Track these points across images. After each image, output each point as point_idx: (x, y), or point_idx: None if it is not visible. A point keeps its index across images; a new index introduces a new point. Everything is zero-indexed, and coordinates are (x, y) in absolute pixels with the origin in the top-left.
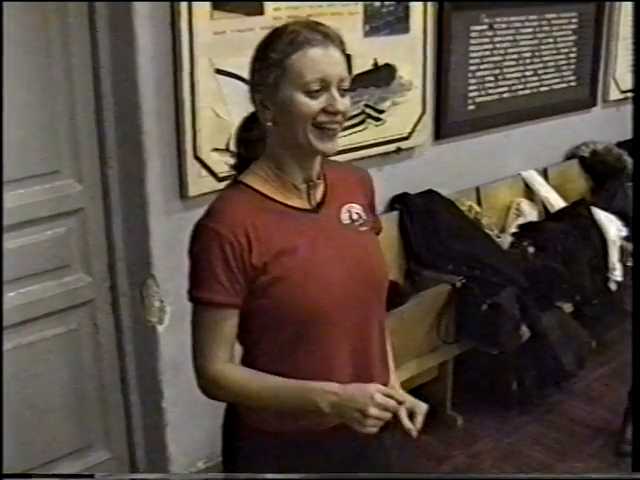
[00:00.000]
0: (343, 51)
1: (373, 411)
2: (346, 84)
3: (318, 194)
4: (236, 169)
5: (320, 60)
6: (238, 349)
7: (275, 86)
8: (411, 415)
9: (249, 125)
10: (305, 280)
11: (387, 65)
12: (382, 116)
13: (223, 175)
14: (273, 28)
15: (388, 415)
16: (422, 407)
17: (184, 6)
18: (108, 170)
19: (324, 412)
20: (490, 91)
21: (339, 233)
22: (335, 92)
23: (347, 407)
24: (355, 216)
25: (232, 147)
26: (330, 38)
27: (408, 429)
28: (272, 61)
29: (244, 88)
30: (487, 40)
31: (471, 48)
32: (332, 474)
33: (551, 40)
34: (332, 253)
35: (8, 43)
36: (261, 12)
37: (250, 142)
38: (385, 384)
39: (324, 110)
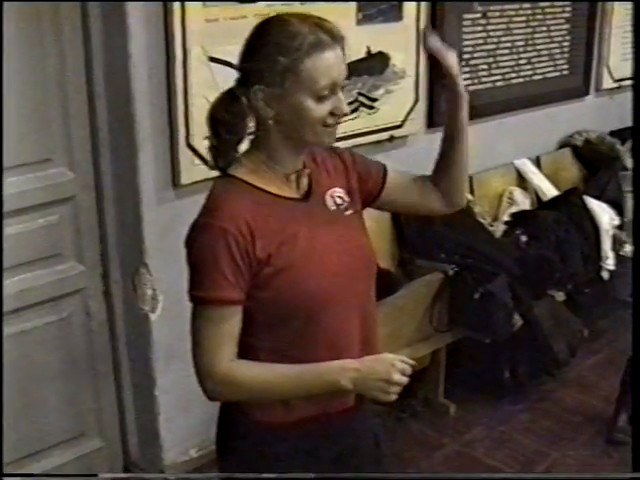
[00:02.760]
0: (343, 47)
1: (397, 377)
2: (345, 83)
3: (304, 182)
4: (217, 152)
5: (330, 64)
6: None
7: (283, 89)
8: None
9: (229, 105)
10: (307, 269)
11: (380, 53)
12: (375, 104)
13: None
14: (268, 18)
15: (406, 379)
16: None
17: None
18: (100, 158)
19: (347, 389)
20: (483, 79)
21: (328, 219)
22: (341, 94)
23: (370, 379)
24: (339, 200)
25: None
26: (334, 36)
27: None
28: (281, 65)
29: (237, 76)
30: (480, 28)
31: (464, 36)
32: (329, 474)
33: (544, 29)
34: (327, 240)
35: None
36: None
37: (231, 123)
38: None
39: (331, 113)
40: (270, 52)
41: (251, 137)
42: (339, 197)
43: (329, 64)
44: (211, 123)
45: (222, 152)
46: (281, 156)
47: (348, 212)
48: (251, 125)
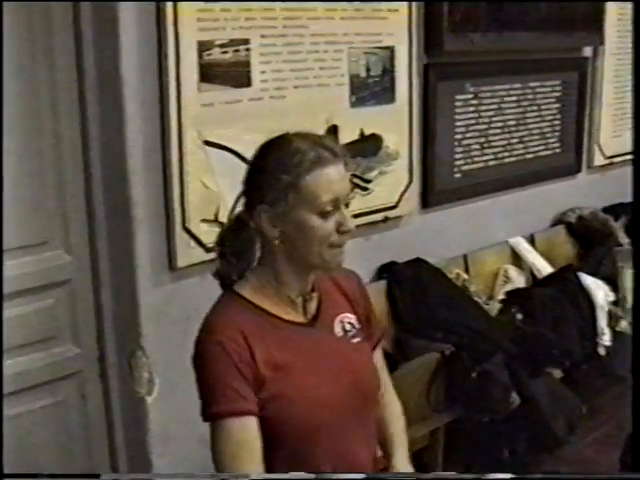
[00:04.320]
0: (347, 163)
1: None
2: (350, 198)
3: (312, 306)
4: (225, 276)
5: (332, 179)
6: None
7: (286, 207)
8: None
9: (236, 230)
10: (300, 399)
11: (374, 135)
12: (369, 185)
13: (212, 246)
14: (270, 140)
15: None
16: None
17: (172, 79)
18: (97, 241)
19: None
20: (476, 159)
21: (333, 347)
22: (345, 210)
23: None
24: (348, 327)
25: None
26: (336, 153)
27: None
28: (285, 183)
29: (232, 159)
30: (472, 109)
31: (457, 117)
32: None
33: (535, 108)
34: (327, 369)
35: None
36: (249, 84)
37: (241, 250)
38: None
39: (336, 230)
40: (271, 170)
41: (259, 255)
42: (349, 323)
43: (330, 179)
44: (220, 249)
45: (230, 276)
46: (287, 278)
47: (356, 340)
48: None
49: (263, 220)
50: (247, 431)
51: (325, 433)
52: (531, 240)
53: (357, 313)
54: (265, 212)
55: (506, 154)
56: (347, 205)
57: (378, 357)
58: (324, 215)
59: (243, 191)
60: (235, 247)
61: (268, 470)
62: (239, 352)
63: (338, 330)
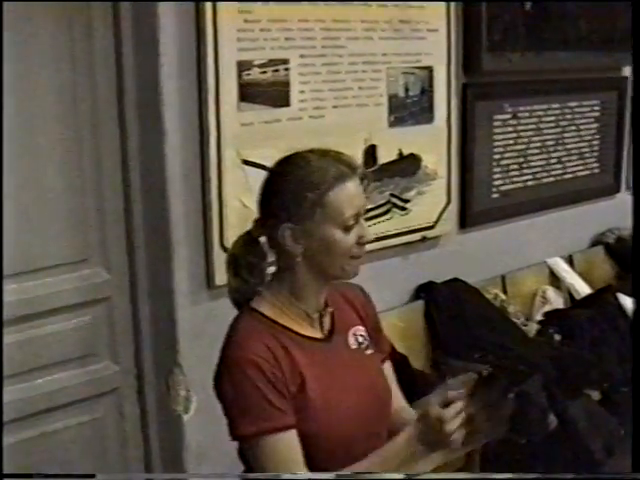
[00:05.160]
0: (361, 177)
1: (448, 427)
2: (365, 209)
3: (327, 321)
4: (237, 293)
5: (353, 194)
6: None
7: (314, 224)
8: None
9: (250, 246)
10: (329, 412)
11: (412, 155)
12: (407, 205)
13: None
14: (285, 157)
15: (460, 420)
16: None
17: (212, 99)
18: (136, 259)
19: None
20: (514, 179)
21: (350, 360)
22: (364, 223)
23: (431, 439)
24: (361, 339)
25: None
26: (354, 169)
27: None
28: (310, 201)
29: None
30: (511, 129)
31: (495, 137)
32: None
33: (574, 128)
34: (346, 382)
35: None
36: (287, 104)
37: (253, 265)
38: None
39: (357, 242)
40: (295, 189)
41: (273, 271)
42: (361, 336)
43: (351, 194)
44: (232, 265)
45: (243, 293)
46: (306, 294)
47: (369, 352)
48: (270, 262)
49: (287, 237)
50: (293, 445)
51: (352, 445)
52: (569, 261)
53: (366, 326)
54: (289, 229)
55: (544, 174)
56: (363, 217)
57: (388, 369)
58: (347, 229)
59: (260, 210)
60: (248, 264)
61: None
62: (271, 369)
63: (352, 342)
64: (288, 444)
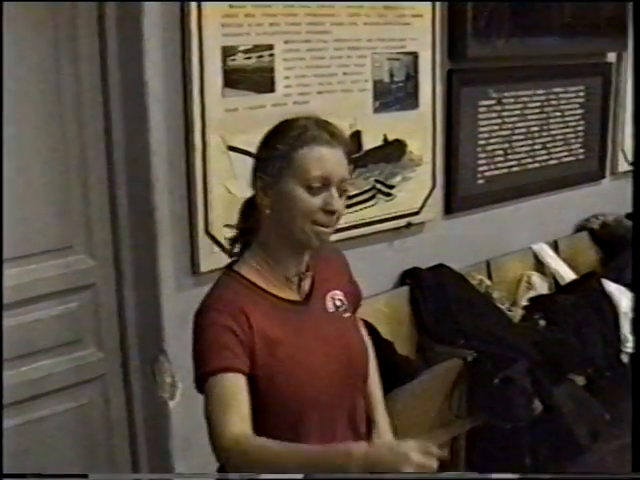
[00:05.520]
0: (347, 153)
1: (408, 468)
2: (345, 185)
3: (306, 285)
4: (233, 240)
5: (325, 158)
6: None
7: (278, 176)
8: None
9: (247, 211)
10: (292, 372)
11: (397, 141)
12: (392, 191)
13: (235, 251)
14: (282, 120)
15: (428, 464)
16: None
17: (196, 85)
18: (121, 246)
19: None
20: (499, 165)
21: (326, 323)
22: (334, 192)
23: (378, 467)
24: (338, 302)
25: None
26: (337, 138)
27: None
28: (278, 152)
29: None
30: (495, 115)
31: (480, 123)
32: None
33: (559, 114)
34: (321, 344)
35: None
36: (272, 89)
37: (247, 229)
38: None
39: (322, 209)
40: (271, 141)
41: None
42: (339, 300)
43: (322, 157)
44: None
45: (233, 249)
46: (281, 257)
47: (346, 315)
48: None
49: (258, 188)
50: (238, 387)
51: (314, 407)
52: (554, 246)
53: (344, 289)
54: (260, 180)
55: (529, 160)
56: (344, 192)
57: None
58: (311, 190)
59: (253, 168)
60: (243, 222)
61: (264, 435)
62: (236, 319)
63: (330, 306)
64: (235, 384)
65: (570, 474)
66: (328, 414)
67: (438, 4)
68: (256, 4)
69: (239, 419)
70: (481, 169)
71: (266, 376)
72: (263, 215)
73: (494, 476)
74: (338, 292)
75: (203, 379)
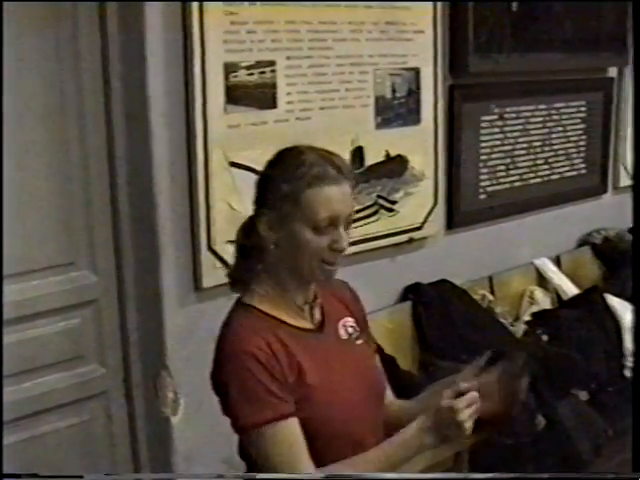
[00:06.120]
0: (352, 185)
1: (462, 416)
2: (351, 218)
3: (317, 313)
4: (234, 275)
5: (334, 199)
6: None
7: (285, 217)
8: None
9: (247, 232)
10: (326, 400)
11: (399, 156)
12: (395, 207)
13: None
14: (281, 150)
15: (473, 409)
16: None
17: (199, 101)
18: (123, 262)
19: (431, 446)
20: (501, 180)
21: (342, 350)
22: (342, 230)
23: (443, 430)
24: (350, 330)
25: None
26: (343, 173)
27: None
28: (284, 192)
29: None
30: (497, 130)
31: (482, 138)
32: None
33: (560, 129)
34: (341, 371)
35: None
36: (274, 105)
37: (246, 248)
38: None
39: (329, 247)
40: (275, 178)
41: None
42: (351, 327)
43: (331, 197)
44: (235, 248)
45: (238, 276)
46: (288, 285)
47: (359, 342)
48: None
49: (262, 223)
50: (296, 433)
51: (353, 430)
52: (557, 261)
53: (356, 317)
54: (265, 215)
55: (531, 175)
56: (349, 224)
57: (378, 361)
58: (319, 230)
59: (255, 195)
60: (244, 247)
61: None
62: (268, 359)
63: (342, 333)
64: (290, 432)
65: (570, 474)
66: (358, 435)
67: (439, 20)
68: (258, 19)
69: (307, 458)
70: (483, 184)
71: (302, 405)
72: (267, 247)
73: (498, 476)
74: (349, 319)
75: (255, 427)
